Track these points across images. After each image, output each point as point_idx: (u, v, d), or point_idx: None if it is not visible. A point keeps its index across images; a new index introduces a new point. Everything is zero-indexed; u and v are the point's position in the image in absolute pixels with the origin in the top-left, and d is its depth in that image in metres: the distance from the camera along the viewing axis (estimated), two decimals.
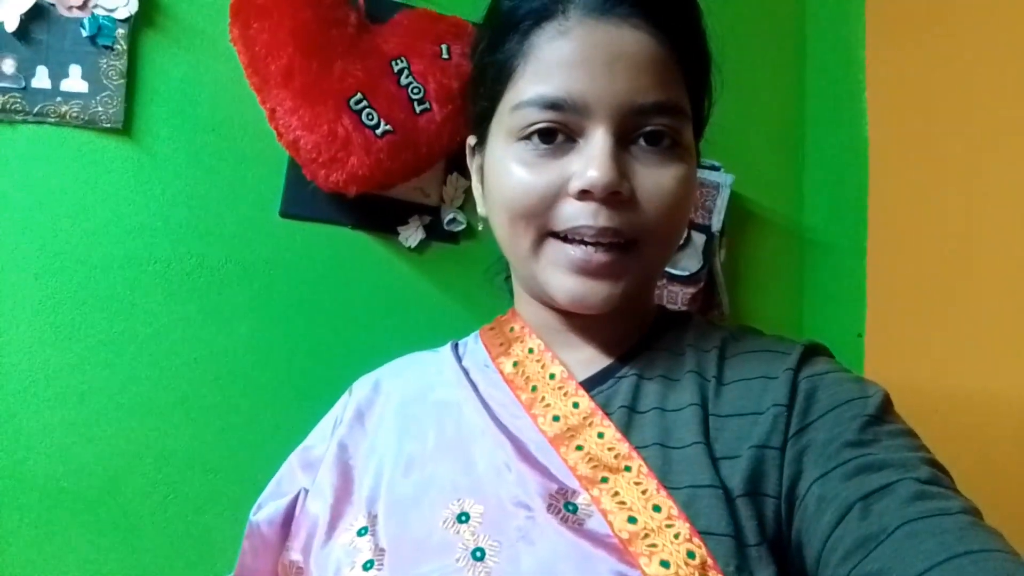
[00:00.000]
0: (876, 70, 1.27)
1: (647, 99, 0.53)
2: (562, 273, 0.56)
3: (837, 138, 1.33)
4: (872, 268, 1.24)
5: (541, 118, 0.54)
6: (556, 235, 0.55)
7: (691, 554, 0.45)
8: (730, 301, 1.26)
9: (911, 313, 1.15)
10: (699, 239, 1.20)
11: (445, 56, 1.02)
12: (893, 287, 1.19)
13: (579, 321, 0.62)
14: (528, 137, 0.55)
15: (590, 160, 0.52)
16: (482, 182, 0.64)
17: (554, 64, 0.53)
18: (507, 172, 0.56)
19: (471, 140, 0.67)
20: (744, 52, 1.33)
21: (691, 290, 1.19)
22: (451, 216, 1.12)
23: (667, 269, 1.18)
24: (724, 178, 1.22)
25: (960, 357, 1.04)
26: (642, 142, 0.54)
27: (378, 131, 0.96)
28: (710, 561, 0.45)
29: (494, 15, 0.61)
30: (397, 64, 1.00)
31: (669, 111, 0.54)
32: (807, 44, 1.42)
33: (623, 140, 0.54)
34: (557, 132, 0.54)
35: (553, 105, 0.53)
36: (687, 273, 1.19)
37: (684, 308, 1.17)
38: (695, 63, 0.58)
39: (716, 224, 1.21)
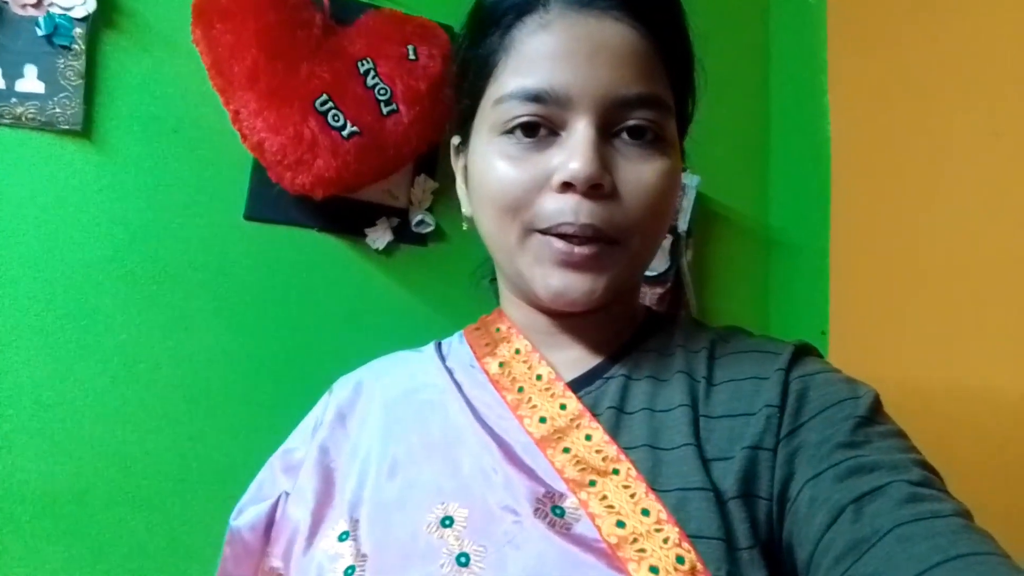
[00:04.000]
0: (838, 73, 1.29)
1: (630, 91, 0.53)
2: (546, 267, 0.55)
3: (800, 140, 1.36)
4: (835, 267, 1.26)
5: (523, 111, 0.54)
6: (540, 231, 0.55)
7: (680, 559, 0.45)
8: (697, 301, 1.27)
9: (873, 310, 1.17)
10: (666, 240, 1.22)
11: (412, 57, 1.02)
12: (856, 285, 1.22)
13: (566, 321, 0.62)
14: (511, 131, 0.55)
15: (572, 152, 0.52)
16: (466, 182, 0.63)
17: (536, 57, 0.53)
18: (491, 167, 0.56)
19: (455, 140, 0.66)
20: (708, 55, 1.34)
21: (659, 290, 1.21)
22: (419, 218, 1.11)
23: None
24: (690, 179, 1.23)
25: (923, 353, 1.06)
26: (625, 136, 0.54)
27: (344, 133, 0.95)
28: (700, 566, 0.44)
29: (476, 11, 0.61)
30: (363, 65, 0.99)
31: (652, 104, 0.54)
32: (771, 48, 1.44)
33: (606, 133, 0.54)
34: (540, 126, 0.54)
35: (535, 98, 0.53)
36: (655, 273, 1.20)
37: (654, 308, 1.19)
38: (678, 59, 0.58)
39: (683, 225, 1.23)
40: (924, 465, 0.47)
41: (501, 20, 0.56)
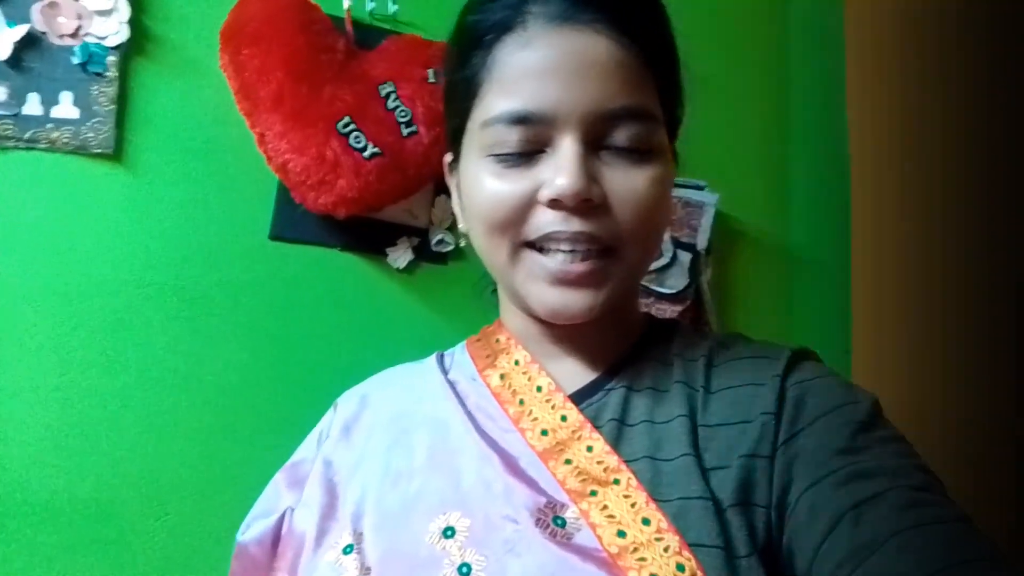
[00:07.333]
0: (857, 89, 1.29)
1: (615, 104, 0.52)
2: (541, 285, 0.55)
3: (820, 157, 1.36)
4: (857, 285, 1.26)
5: (510, 137, 0.54)
6: (532, 245, 0.55)
7: (680, 567, 0.45)
8: (717, 319, 1.27)
9: (897, 329, 1.16)
10: (685, 257, 1.21)
11: (432, 80, 1.04)
12: (879, 303, 1.21)
13: (565, 332, 0.61)
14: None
15: (559, 168, 0.52)
16: (460, 198, 0.64)
17: (518, 76, 0.53)
18: (480, 185, 0.56)
19: (447, 158, 0.67)
20: (727, 73, 1.35)
21: (678, 308, 1.20)
22: (439, 237, 1.13)
23: (655, 287, 1.19)
24: (709, 197, 1.23)
25: (945, 373, 1.05)
26: (613, 147, 0.54)
27: (366, 154, 0.97)
28: (700, 574, 0.45)
29: (459, 31, 0.61)
30: (384, 88, 1.02)
31: (638, 115, 0.54)
32: (789, 65, 1.44)
33: (593, 146, 0.53)
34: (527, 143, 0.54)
35: (520, 119, 0.53)
36: (674, 291, 1.20)
37: None
38: (663, 65, 0.57)
39: (702, 243, 1.23)
40: (924, 470, 0.46)
41: (482, 40, 0.56)
